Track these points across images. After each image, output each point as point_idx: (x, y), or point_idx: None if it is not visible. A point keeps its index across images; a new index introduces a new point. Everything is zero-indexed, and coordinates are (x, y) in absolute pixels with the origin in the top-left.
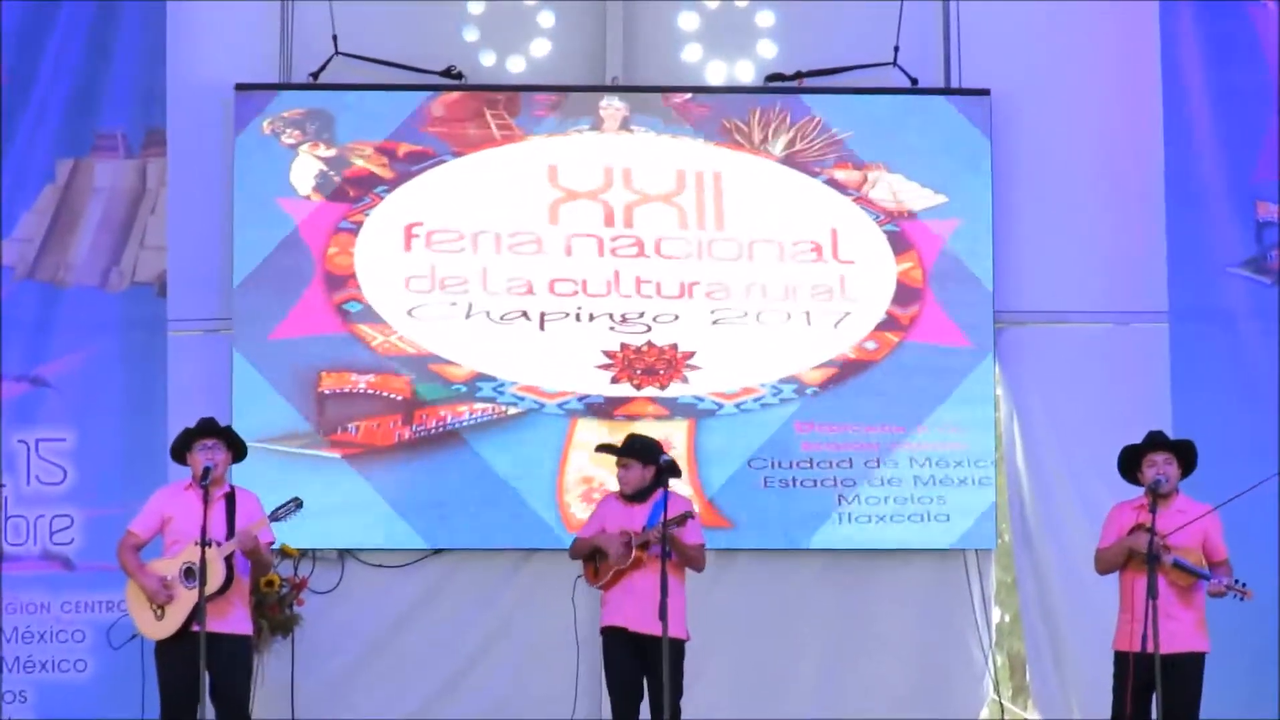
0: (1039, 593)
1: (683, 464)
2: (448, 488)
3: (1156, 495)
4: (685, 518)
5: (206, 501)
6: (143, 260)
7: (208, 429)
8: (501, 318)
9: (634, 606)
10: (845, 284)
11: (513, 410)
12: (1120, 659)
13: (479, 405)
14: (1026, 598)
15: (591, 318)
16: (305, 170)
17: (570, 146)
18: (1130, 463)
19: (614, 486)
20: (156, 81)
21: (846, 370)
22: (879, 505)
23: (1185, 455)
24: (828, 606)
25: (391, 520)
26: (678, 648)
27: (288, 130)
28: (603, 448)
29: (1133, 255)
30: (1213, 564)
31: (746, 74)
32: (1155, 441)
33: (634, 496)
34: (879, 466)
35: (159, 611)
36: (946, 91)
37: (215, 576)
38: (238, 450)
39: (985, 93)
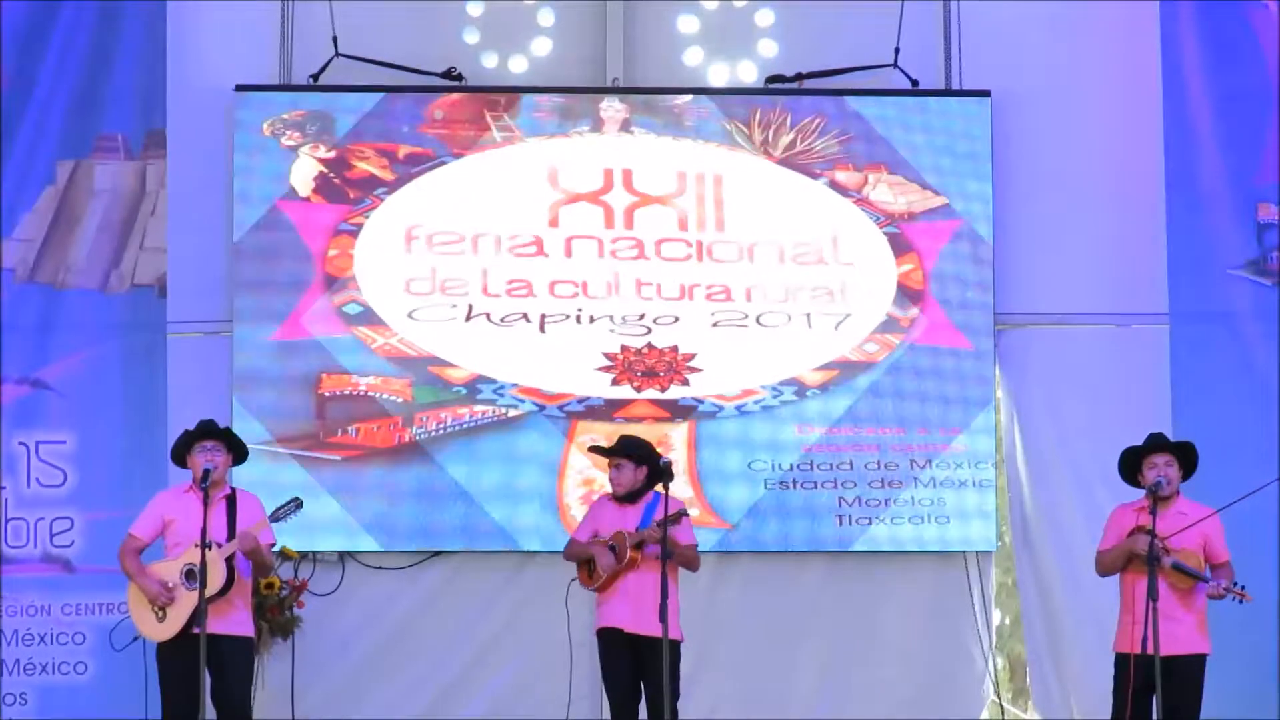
0: (1039, 595)
1: (683, 466)
2: (448, 490)
3: (1157, 497)
4: (680, 516)
5: (206, 504)
6: (143, 262)
7: (208, 431)
8: (502, 320)
9: (630, 608)
10: (846, 286)
11: (513, 412)
12: (1121, 661)
13: (479, 407)
14: (1027, 600)
15: (592, 320)
16: (305, 172)
17: (570, 148)
18: (1131, 465)
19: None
20: (157, 83)
21: (847, 372)
22: (879, 507)
23: (1186, 457)
24: (828, 608)
25: (392, 523)
26: (674, 648)
27: (288, 132)
28: (595, 449)
29: (1133, 257)
30: (1214, 566)
31: (747, 75)
32: (1156, 443)
33: (626, 498)
34: (879, 468)
35: (160, 613)
36: (947, 93)
37: (216, 578)
38: (238, 452)
39: (986, 94)
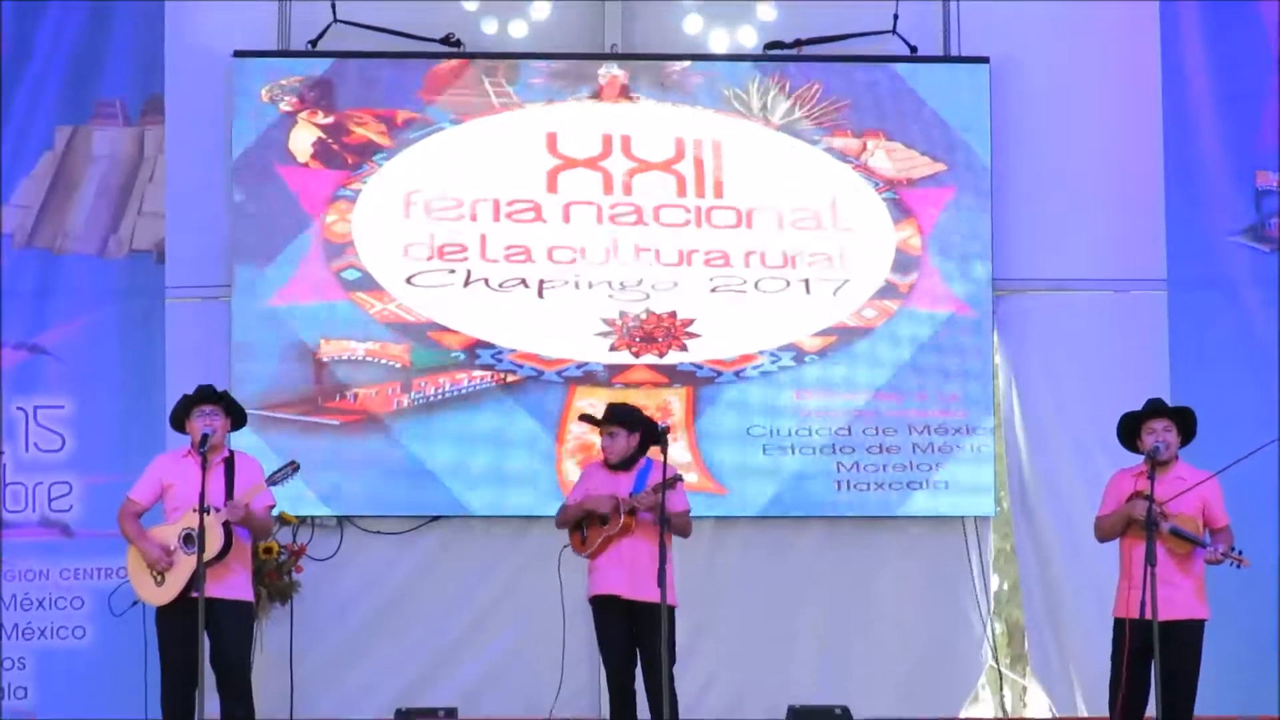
0: (1038, 560)
1: (681, 431)
2: (446, 455)
3: (1155, 462)
4: (676, 481)
5: (205, 468)
6: (141, 228)
7: (206, 396)
8: (500, 285)
9: (626, 573)
10: (844, 251)
11: (511, 377)
12: (1119, 626)
13: (477, 372)
14: (1025, 565)
15: (590, 285)
16: (304, 137)
17: (569, 114)
18: (1130, 430)
19: None
20: (155, 49)
21: (845, 338)
22: (878, 473)
23: (1185, 422)
24: (826, 574)
25: (390, 488)
26: (669, 613)
27: (286, 97)
28: (585, 418)
29: (1132, 224)
30: (1213, 531)
31: (746, 41)
32: (1155, 409)
33: (619, 465)
34: (878, 434)
35: (159, 578)
36: (946, 59)
37: (214, 542)
38: (236, 417)
39: (984, 60)
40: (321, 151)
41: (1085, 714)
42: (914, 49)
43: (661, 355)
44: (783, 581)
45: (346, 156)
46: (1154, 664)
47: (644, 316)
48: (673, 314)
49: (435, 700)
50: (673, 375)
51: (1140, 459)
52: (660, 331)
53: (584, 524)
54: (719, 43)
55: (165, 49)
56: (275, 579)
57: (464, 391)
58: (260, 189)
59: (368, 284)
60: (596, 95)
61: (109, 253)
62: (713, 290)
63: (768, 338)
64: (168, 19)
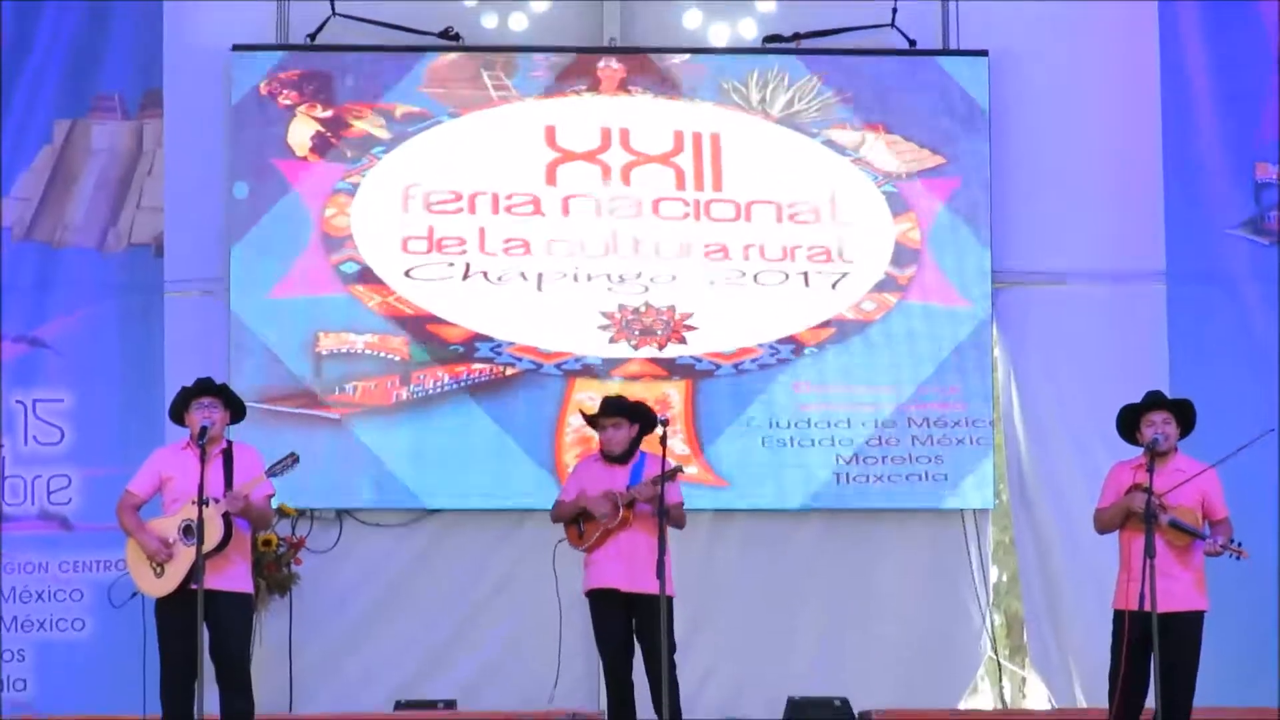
0: (1037, 552)
1: (680, 424)
2: (445, 449)
3: (1154, 454)
4: (677, 472)
5: (204, 460)
6: (140, 221)
7: (205, 388)
8: (499, 278)
9: (624, 566)
10: (843, 245)
11: (510, 371)
12: (1119, 618)
13: (477, 366)
14: (1025, 557)
15: (589, 278)
16: (302, 131)
17: (568, 108)
18: (1129, 422)
19: None
20: (154, 43)
21: (844, 331)
22: (877, 465)
23: (1184, 414)
24: (825, 566)
25: (389, 481)
26: (668, 605)
27: (285, 91)
28: (589, 418)
29: (1131, 217)
30: (1213, 523)
31: (746, 34)
32: (1154, 401)
33: (618, 458)
34: (877, 427)
35: (159, 569)
36: (945, 53)
37: (213, 533)
38: (235, 409)
39: (983, 54)
40: (320, 145)
41: (1084, 705)
42: (913, 42)
43: (660, 348)
44: (782, 573)
45: (345, 150)
46: (1153, 656)
47: (643, 309)
48: (671, 307)
49: (434, 692)
50: (671, 368)
51: (1139, 451)
52: (659, 324)
53: (581, 518)
54: (718, 36)
55: (164, 43)
56: (274, 571)
57: (462, 385)
58: (259, 183)
59: (366, 277)
60: (595, 89)
61: (108, 246)
62: (711, 283)
63: (767, 331)
64: (166, 13)
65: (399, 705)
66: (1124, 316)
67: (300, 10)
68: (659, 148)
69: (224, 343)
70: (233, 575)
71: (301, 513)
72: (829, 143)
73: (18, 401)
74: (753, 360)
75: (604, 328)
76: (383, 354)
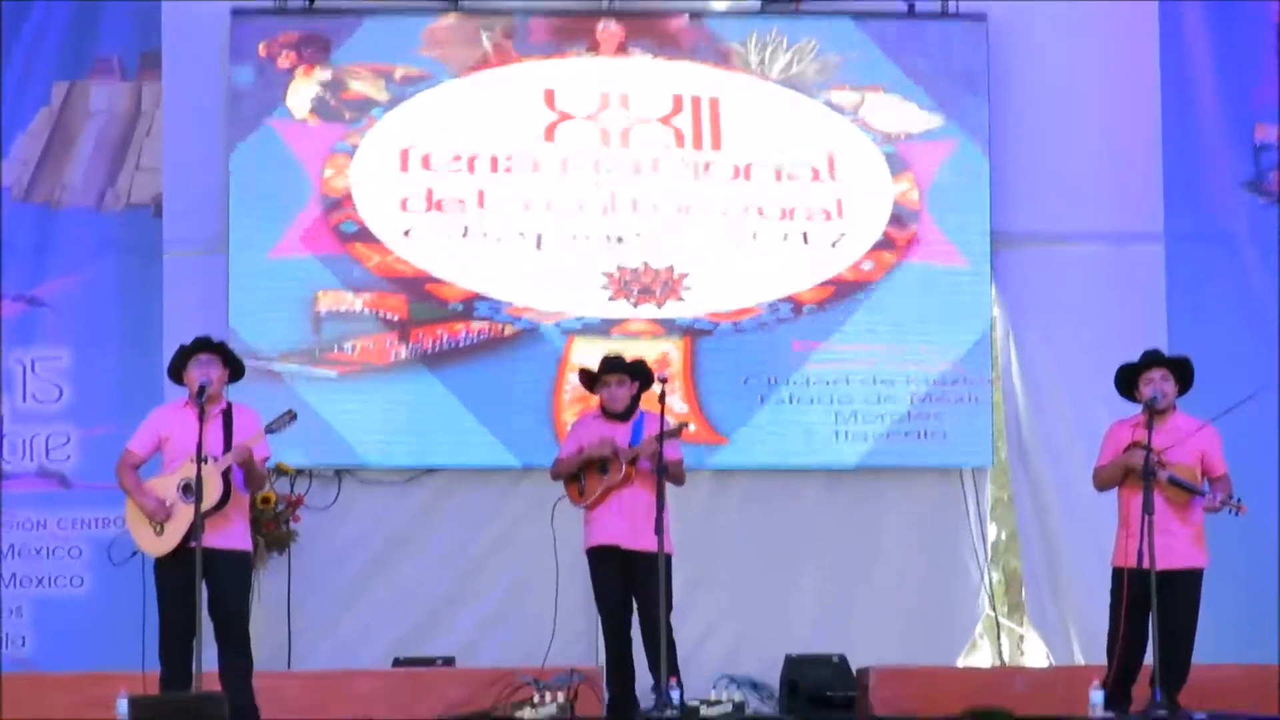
0: (1035, 510)
1: (679, 383)
2: (444, 406)
3: (1153, 412)
4: (681, 429)
5: (203, 418)
6: (138, 182)
7: (203, 345)
8: (498, 239)
9: (626, 523)
10: (843, 205)
11: (509, 330)
12: (1118, 575)
13: (475, 325)
14: (1023, 515)
15: (588, 238)
16: (301, 93)
17: (567, 69)
18: (1128, 380)
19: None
20: (152, 5)
21: (843, 290)
22: (875, 424)
23: (1182, 372)
24: (825, 524)
25: (388, 438)
26: (666, 562)
27: (284, 53)
28: (588, 374)
29: (1130, 177)
30: (1212, 480)
31: None
32: (1152, 359)
33: (619, 415)
34: (875, 385)
35: (158, 528)
36: (944, 16)
37: (212, 492)
38: (234, 368)
39: (983, 17)
40: (319, 106)
41: (1082, 662)
42: (912, 5)
43: (660, 307)
44: (781, 532)
45: (344, 111)
46: (1152, 612)
47: (642, 269)
48: (670, 267)
49: (432, 649)
50: (671, 327)
51: (1138, 409)
52: (658, 284)
53: (582, 474)
54: None
55: (162, 5)
56: (273, 529)
57: (461, 344)
58: (257, 144)
59: (365, 236)
60: (594, 50)
61: (106, 206)
62: (711, 243)
63: (766, 290)
64: None
65: (397, 662)
66: (1123, 276)
67: None
68: (658, 109)
69: (223, 302)
70: (231, 533)
71: (300, 471)
72: (828, 103)
73: (17, 360)
74: (752, 319)
75: (603, 287)
76: (381, 313)
